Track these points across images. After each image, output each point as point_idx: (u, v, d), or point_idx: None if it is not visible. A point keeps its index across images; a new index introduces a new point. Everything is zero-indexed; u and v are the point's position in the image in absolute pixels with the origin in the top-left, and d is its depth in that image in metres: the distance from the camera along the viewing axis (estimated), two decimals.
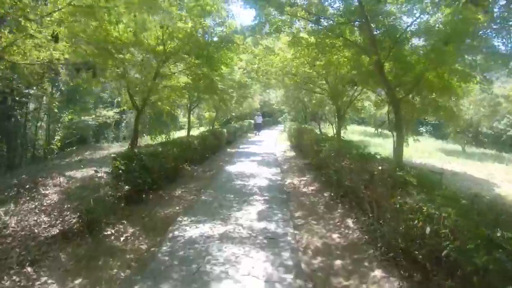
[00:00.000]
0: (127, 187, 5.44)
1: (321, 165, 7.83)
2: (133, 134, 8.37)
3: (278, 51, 8.79)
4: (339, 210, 5.38)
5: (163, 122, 18.63)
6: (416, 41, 6.11)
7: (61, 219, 3.95)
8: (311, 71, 8.93)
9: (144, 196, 6.01)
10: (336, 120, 15.21)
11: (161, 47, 7.13)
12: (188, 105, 13.08)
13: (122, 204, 5.13)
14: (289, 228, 4.59)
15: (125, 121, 22.38)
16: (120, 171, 5.53)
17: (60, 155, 14.01)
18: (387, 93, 6.32)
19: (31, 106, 12.26)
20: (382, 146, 17.08)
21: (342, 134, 16.34)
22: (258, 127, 22.75)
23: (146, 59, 7.35)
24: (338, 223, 4.88)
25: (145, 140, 18.35)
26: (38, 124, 13.41)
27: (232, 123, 23.32)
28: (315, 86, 10.27)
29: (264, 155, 11.62)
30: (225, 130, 14.15)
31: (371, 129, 23.67)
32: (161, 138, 18.13)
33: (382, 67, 5.51)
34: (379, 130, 21.87)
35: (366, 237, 4.22)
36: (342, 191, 5.81)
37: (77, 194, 4.55)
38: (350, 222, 4.85)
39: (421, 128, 28.93)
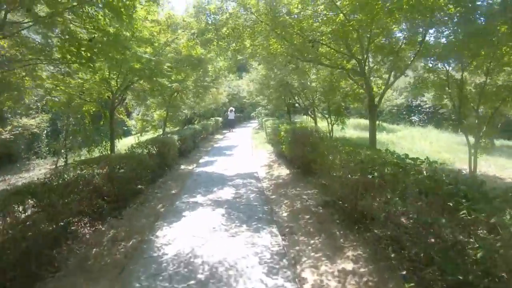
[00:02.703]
0: None
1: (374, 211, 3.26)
2: None
3: None
4: None
5: (100, 130, 13.29)
6: None
7: None
8: (330, 14, 4.18)
9: None
10: (331, 115, 10.66)
11: None
12: (111, 101, 7.86)
13: None
14: None
15: (45, 130, 16.72)
16: None
17: None
18: None
19: None
20: (395, 144, 13.02)
21: (340, 132, 11.91)
22: (231, 124, 21.28)
23: None
24: None
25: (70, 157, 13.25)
26: None
27: (195, 122, 18.22)
28: (332, 52, 5.55)
29: (239, 182, 6.67)
30: (175, 137, 9.02)
31: (364, 121, 19.50)
32: (98, 151, 13.14)
33: None
34: (380, 122, 17.86)
35: None
36: None
37: None
38: None
39: (413, 117, 25.48)
